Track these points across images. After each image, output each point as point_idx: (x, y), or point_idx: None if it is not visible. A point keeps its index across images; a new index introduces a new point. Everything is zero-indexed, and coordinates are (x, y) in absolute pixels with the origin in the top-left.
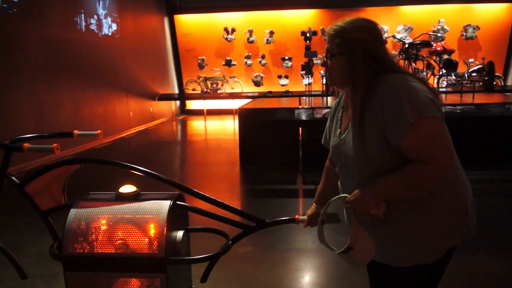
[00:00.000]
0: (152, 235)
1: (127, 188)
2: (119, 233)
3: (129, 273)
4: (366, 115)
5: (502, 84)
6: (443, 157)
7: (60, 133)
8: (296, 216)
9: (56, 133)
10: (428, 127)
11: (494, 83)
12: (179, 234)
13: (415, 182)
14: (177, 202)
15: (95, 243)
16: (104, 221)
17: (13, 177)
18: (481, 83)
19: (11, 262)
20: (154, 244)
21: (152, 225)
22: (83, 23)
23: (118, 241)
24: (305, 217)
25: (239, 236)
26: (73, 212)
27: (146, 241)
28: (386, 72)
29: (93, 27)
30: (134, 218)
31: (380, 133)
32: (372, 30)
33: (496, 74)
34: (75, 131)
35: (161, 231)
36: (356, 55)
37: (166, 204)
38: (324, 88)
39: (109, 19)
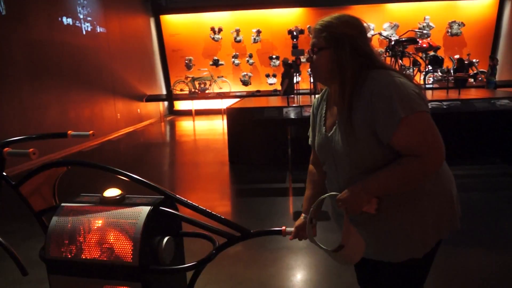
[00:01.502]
0: (128, 242)
1: (112, 192)
2: (99, 238)
3: (108, 280)
4: (354, 112)
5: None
6: (435, 149)
7: (55, 134)
8: (283, 228)
9: (52, 133)
10: (419, 121)
11: (480, 79)
12: (163, 240)
13: (408, 176)
14: (160, 208)
15: (75, 248)
16: (85, 226)
17: (8, 178)
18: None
19: (12, 259)
20: (129, 251)
21: (129, 232)
22: (68, 25)
23: (98, 247)
24: (292, 228)
25: (223, 246)
26: (56, 216)
27: (122, 248)
28: (372, 67)
29: (78, 29)
30: (115, 223)
31: (370, 130)
32: (358, 26)
33: (481, 70)
34: (69, 132)
35: (136, 238)
36: (343, 49)
37: (145, 209)
38: (312, 87)
39: (94, 21)
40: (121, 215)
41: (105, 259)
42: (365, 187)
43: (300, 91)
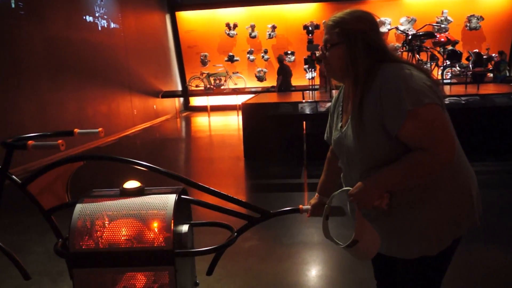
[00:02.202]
0: (160, 229)
1: (131, 184)
2: (126, 228)
3: (137, 267)
4: (364, 106)
5: (508, 74)
6: (443, 143)
7: (61, 132)
8: (300, 206)
9: (57, 132)
10: (426, 113)
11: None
12: (185, 227)
13: (417, 170)
14: (182, 196)
15: (101, 239)
16: (109, 217)
17: (14, 177)
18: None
19: (13, 263)
20: (162, 237)
21: (159, 219)
22: (85, 22)
23: (125, 236)
24: (308, 206)
25: (244, 227)
26: (78, 209)
27: (154, 235)
28: (384, 61)
29: (94, 25)
30: (140, 213)
31: (379, 123)
32: (370, 21)
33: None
34: (76, 130)
35: (168, 224)
36: (356, 45)
37: (172, 198)
38: (324, 82)
39: (110, 18)
40: (148, 204)
41: (137, 246)
42: (376, 181)
43: (316, 87)
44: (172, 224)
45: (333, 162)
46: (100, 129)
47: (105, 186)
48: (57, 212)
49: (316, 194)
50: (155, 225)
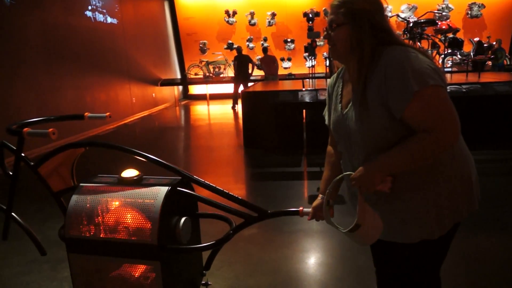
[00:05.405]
0: (147, 222)
1: (129, 173)
2: (118, 217)
3: (127, 258)
4: (368, 88)
5: (508, 63)
6: (448, 125)
7: (72, 116)
8: (301, 208)
9: (68, 115)
10: (432, 95)
11: (502, 63)
12: (181, 220)
13: (421, 153)
14: (178, 188)
15: (94, 227)
16: (104, 205)
17: (27, 159)
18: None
19: (31, 239)
20: (148, 231)
21: (148, 211)
22: (83, 10)
23: (116, 226)
24: (309, 209)
25: (240, 226)
26: (75, 195)
27: (141, 228)
28: (389, 43)
29: (93, 13)
30: (133, 203)
31: (384, 106)
32: (376, 2)
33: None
34: (86, 114)
35: (155, 218)
36: (362, 25)
37: (163, 190)
38: (328, 70)
39: (109, 5)
40: (139, 195)
41: (124, 238)
42: (379, 164)
43: (316, 75)
44: (159, 218)
45: (334, 157)
46: (107, 113)
47: (110, 171)
48: (65, 195)
49: (319, 195)
50: (144, 217)
